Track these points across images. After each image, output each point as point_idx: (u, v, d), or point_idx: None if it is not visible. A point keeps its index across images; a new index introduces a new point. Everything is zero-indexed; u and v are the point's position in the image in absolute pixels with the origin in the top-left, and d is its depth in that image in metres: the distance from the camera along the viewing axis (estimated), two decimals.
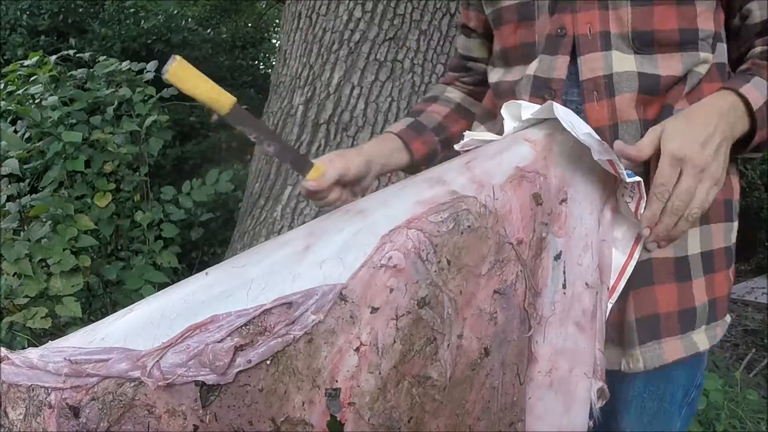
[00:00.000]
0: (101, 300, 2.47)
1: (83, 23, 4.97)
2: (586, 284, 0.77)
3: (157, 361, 0.57)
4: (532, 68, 0.90)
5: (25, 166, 2.36)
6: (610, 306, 0.82)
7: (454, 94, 1.12)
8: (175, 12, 5.66)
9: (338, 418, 0.62)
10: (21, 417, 0.57)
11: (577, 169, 0.78)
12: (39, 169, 2.42)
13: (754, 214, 6.85)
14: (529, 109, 0.78)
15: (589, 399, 0.79)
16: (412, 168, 1.02)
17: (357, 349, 0.62)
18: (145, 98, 2.62)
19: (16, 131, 2.40)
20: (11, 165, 2.15)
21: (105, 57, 2.85)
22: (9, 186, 2.34)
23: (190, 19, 5.96)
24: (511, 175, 0.73)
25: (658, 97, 0.84)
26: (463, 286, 0.68)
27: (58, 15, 4.87)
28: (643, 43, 0.84)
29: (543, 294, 0.75)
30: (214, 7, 6.68)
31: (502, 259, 0.70)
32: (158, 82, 2.74)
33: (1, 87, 2.45)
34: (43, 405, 0.57)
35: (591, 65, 0.85)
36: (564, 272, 0.76)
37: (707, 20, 0.85)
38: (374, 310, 0.63)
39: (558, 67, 0.87)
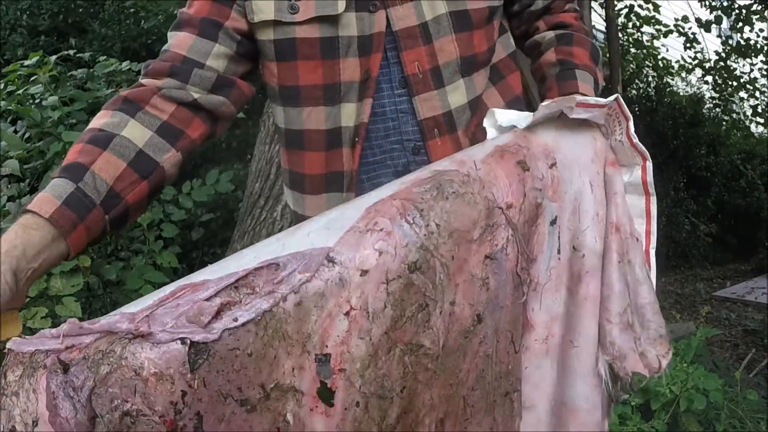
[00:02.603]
0: (101, 300, 2.46)
1: (83, 23, 4.96)
2: (573, 248, 0.77)
3: (147, 315, 0.57)
4: (346, 118, 0.85)
5: (25, 166, 2.35)
6: (652, 252, 0.82)
7: (137, 131, 0.79)
8: (176, 12, 5.65)
9: (329, 385, 0.61)
10: (17, 378, 0.57)
11: (561, 136, 0.79)
12: (39, 169, 2.42)
13: (754, 214, 6.85)
14: (504, 115, 0.80)
15: (592, 373, 0.78)
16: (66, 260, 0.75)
17: (347, 314, 0.62)
18: None
19: (16, 131, 2.40)
20: (11, 165, 2.16)
21: (105, 57, 2.86)
22: (9, 186, 2.34)
23: None
24: (492, 152, 0.74)
25: (480, 111, 0.89)
26: (455, 252, 0.67)
27: (58, 15, 4.87)
28: (467, 67, 0.88)
29: (539, 260, 0.75)
30: None
31: (493, 223, 0.70)
32: None
33: (1, 87, 2.46)
34: (39, 366, 0.57)
35: (429, 104, 0.86)
36: (558, 237, 0.76)
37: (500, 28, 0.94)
38: (364, 273, 0.63)
39: (364, 111, 0.85)
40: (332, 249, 0.63)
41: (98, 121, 0.80)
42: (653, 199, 0.82)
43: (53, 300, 2.08)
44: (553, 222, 0.75)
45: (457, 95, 0.87)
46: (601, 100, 0.76)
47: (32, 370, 0.57)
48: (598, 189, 0.79)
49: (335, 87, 0.85)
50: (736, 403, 2.24)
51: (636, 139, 0.79)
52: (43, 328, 1.99)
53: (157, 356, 0.56)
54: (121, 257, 2.57)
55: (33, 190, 2.45)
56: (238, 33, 0.87)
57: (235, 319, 0.58)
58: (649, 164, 0.81)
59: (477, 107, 0.90)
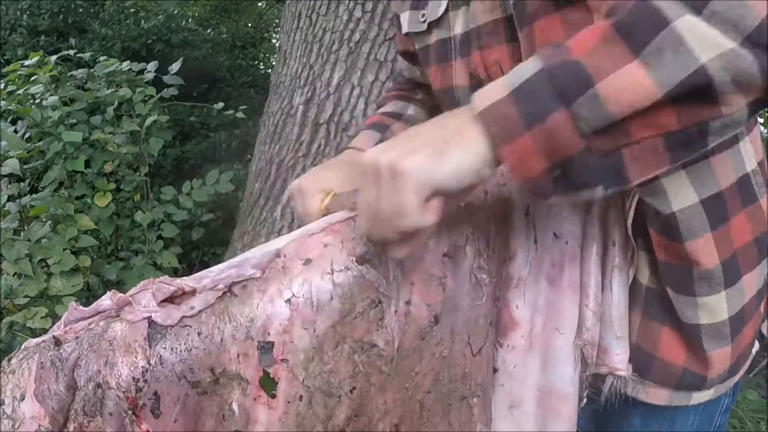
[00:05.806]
0: None
1: (83, 23, 4.97)
2: (555, 234, 0.75)
3: (131, 296, 0.59)
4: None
5: (25, 166, 2.36)
6: None
7: (414, 111, 0.97)
8: (175, 12, 5.66)
9: (271, 375, 0.60)
10: (18, 360, 0.58)
11: None
12: (39, 169, 2.43)
13: None
14: None
15: (571, 359, 0.76)
16: None
17: (288, 301, 0.61)
18: (145, 98, 2.62)
19: (16, 131, 2.40)
20: (11, 165, 2.15)
21: (105, 57, 2.86)
22: (9, 186, 2.35)
23: (190, 19, 5.97)
24: None
25: None
26: None
27: (58, 15, 4.87)
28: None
29: (519, 255, 0.74)
30: (214, 7, 6.68)
31: (449, 221, 0.68)
32: (158, 82, 2.75)
33: (2, 87, 2.46)
34: (39, 350, 0.58)
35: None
36: (534, 227, 0.74)
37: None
38: (307, 261, 0.62)
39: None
40: (281, 249, 0.63)
41: (388, 109, 0.98)
42: None
43: (53, 300, 2.08)
44: (527, 212, 0.74)
45: None
46: None
47: (33, 353, 0.58)
48: None
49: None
50: (736, 403, 2.24)
51: None
52: (43, 328, 2.00)
53: (129, 330, 0.57)
54: (121, 257, 2.58)
55: (33, 190, 2.45)
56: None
57: (192, 308, 0.59)
58: None
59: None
